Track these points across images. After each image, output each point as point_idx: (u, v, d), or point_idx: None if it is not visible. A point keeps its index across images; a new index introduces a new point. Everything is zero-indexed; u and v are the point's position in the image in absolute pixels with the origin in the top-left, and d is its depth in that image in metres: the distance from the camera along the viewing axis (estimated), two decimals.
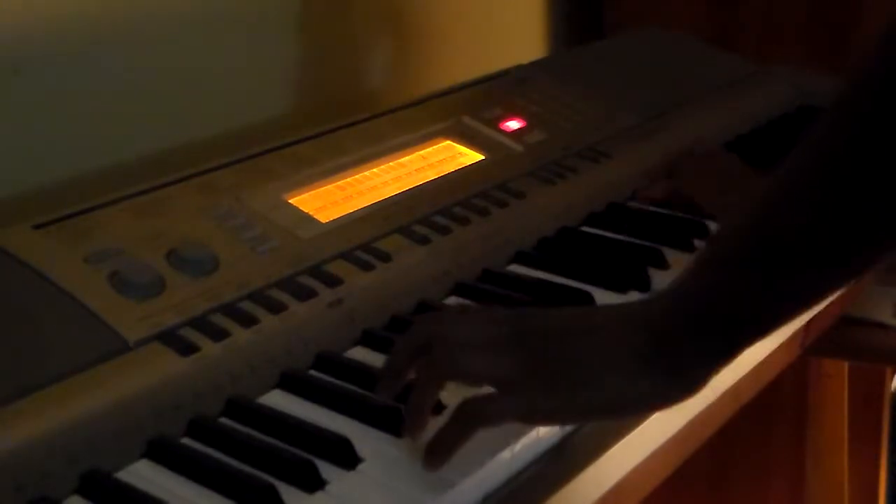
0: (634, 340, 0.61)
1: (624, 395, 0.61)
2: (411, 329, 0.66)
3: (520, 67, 1.18)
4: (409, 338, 0.65)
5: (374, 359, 0.74)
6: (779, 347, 0.88)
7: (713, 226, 0.94)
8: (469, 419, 0.61)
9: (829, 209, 0.57)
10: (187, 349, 0.69)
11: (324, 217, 0.84)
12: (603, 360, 0.61)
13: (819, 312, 0.93)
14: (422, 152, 0.97)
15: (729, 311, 0.60)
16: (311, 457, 0.62)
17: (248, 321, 0.72)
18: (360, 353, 0.76)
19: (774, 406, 1.50)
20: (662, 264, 0.87)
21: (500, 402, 0.61)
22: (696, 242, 0.91)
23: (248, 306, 0.73)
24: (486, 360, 0.62)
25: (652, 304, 0.63)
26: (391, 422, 0.66)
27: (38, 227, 0.76)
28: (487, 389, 0.62)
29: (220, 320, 0.71)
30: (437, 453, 0.61)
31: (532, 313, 0.66)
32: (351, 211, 0.86)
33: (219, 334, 0.70)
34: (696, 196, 0.97)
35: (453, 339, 0.63)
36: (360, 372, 0.72)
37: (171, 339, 0.69)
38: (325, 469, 0.62)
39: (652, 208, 0.99)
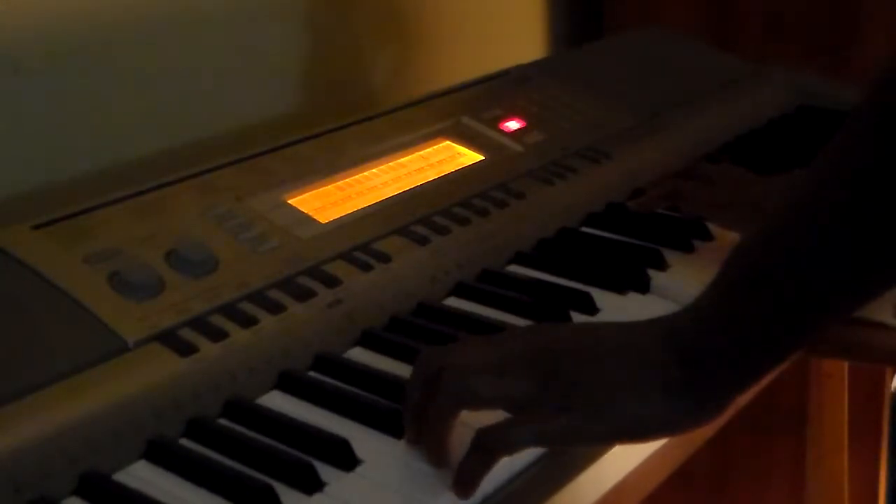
0: (661, 364, 0.59)
1: (649, 419, 0.59)
2: (418, 362, 0.64)
3: (520, 67, 1.18)
4: (418, 372, 0.64)
5: (374, 360, 0.75)
6: None
7: (713, 228, 0.94)
8: (488, 449, 0.60)
9: (847, 230, 0.56)
10: (186, 350, 0.69)
11: (323, 217, 0.84)
12: (627, 383, 0.59)
13: None
14: (421, 152, 0.97)
15: (749, 337, 0.59)
16: (309, 458, 0.62)
17: (247, 322, 0.72)
18: (359, 354, 0.76)
19: (774, 406, 1.50)
20: (661, 265, 0.87)
21: (516, 428, 0.60)
22: (696, 243, 0.91)
23: (247, 307, 0.73)
24: (498, 384, 0.61)
25: (673, 326, 0.61)
26: (390, 423, 0.66)
27: (37, 227, 0.76)
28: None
29: (220, 321, 0.71)
30: (463, 485, 0.60)
31: (543, 331, 0.65)
32: (350, 211, 0.86)
33: (218, 335, 0.70)
34: (708, 200, 0.95)
35: (462, 365, 0.62)
36: (359, 373, 0.72)
37: (171, 340, 0.69)
38: (324, 470, 0.62)
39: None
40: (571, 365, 0.60)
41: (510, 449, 0.60)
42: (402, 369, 0.72)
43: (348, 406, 0.68)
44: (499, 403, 0.61)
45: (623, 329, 0.63)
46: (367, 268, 0.80)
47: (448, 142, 0.99)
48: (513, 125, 1.04)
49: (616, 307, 0.81)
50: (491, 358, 0.62)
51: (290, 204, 0.85)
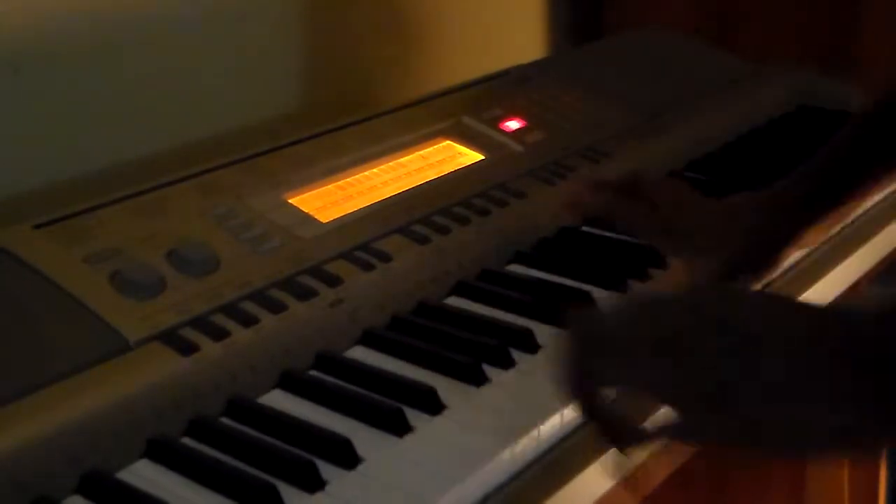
0: (840, 369, 0.50)
1: (816, 433, 0.51)
2: (569, 340, 0.59)
3: (520, 67, 1.18)
4: (570, 351, 0.59)
5: (375, 358, 0.75)
6: None
7: None
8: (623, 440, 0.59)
9: None
10: (188, 349, 0.69)
11: (324, 217, 0.84)
12: (797, 387, 0.50)
13: None
14: (422, 152, 0.97)
15: None
16: (311, 457, 0.62)
17: (248, 321, 0.72)
18: (360, 353, 0.76)
19: None
20: (662, 264, 0.87)
21: (662, 427, 0.56)
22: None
23: (248, 306, 0.73)
24: (643, 373, 0.55)
25: (857, 327, 0.52)
26: (392, 422, 0.66)
27: (38, 227, 0.76)
28: None
29: (221, 320, 0.71)
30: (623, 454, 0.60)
31: (707, 305, 0.55)
32: (351, 211, 0.86)
33: (219, 334, 0.70)
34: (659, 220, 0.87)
35: (608, 349, 0.57)
36: (360, 372, 0.72)
37: (172, 339, 0.69)
38: (326, 469, 0.62)
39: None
40: (736, 357, 0.52)
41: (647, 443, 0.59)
42: (403, 368, 0.73)
43: (350, 405, 0.68)
44: (643, 393, 0.56)
45: (796, 321, 0.54)
46: (368, 267, 0.80)
47: (448, 141, 1.00)
48: (513, 125, 1.05)
49: None
50: (638, 337, 0.55)
51: (290, 203, 0.85)
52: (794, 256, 0.88)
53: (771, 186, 0.87)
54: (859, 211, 0.97)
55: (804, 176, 0.86)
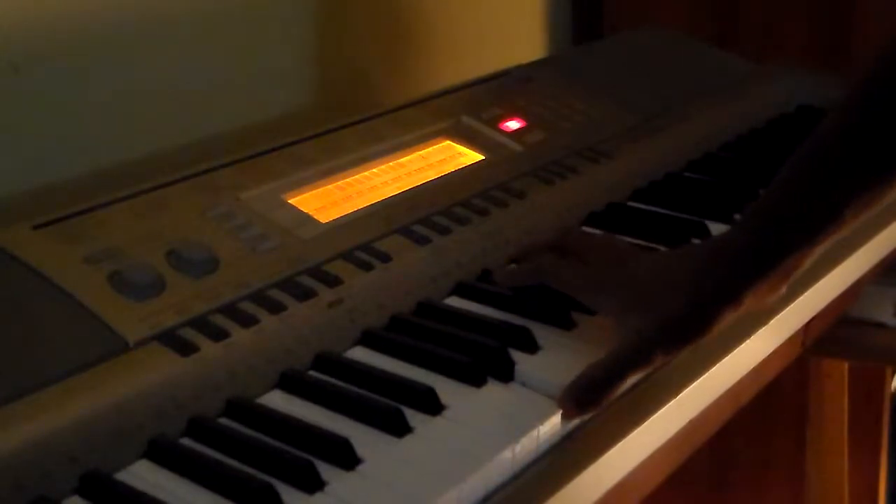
0: None
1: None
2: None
3: (520, 67, 1.18)
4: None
5: (374, 359, 0.75)
6: (779, 347, 0.88)
7: (713, 226, 0.94)
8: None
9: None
10: (187, 349, 0.69)
11: (323, 217, 0.84)
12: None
13: (819, 312, 0.93)
14: (422, 152, 0.97)
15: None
16: (310, 457, 0.62)
17: (247, 321, 0.72)
18: (359, 353, 0.76)
19: (774, 406, 1.50)
20: None
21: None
22: (695, 242, 0.91)
23: (247, 306, 0.73)
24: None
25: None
26: (391, 422, 0.66)
27: (38, 227, 0.76)
28: None
29: (220, 320, 0.71)
30: None
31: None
32: (351, 211, 0.86)
33: (218, 334, 0.70)
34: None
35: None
36: (359, 372, 0.72)
37: (171, 340, 0.69)
38: (325, 469, 0.62)
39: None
40: None
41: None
42: (402, 368, 0.72)
43: (349, 405, 0.68)
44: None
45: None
46: (367, 267, 0.80)
47: (448, 141, 1.00)
48: (513, 125, 1.05)
49: None
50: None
51: (290, 204, 0.85)
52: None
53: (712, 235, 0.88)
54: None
55: (750, 222, 0.76)
